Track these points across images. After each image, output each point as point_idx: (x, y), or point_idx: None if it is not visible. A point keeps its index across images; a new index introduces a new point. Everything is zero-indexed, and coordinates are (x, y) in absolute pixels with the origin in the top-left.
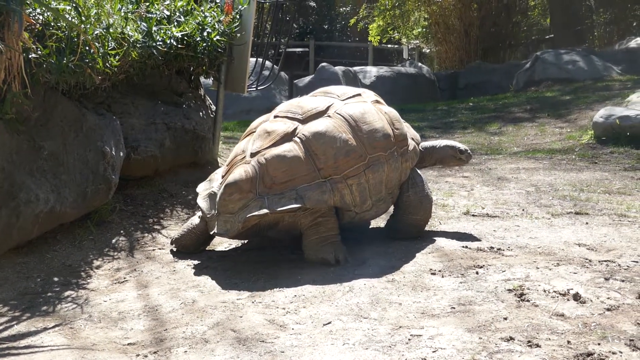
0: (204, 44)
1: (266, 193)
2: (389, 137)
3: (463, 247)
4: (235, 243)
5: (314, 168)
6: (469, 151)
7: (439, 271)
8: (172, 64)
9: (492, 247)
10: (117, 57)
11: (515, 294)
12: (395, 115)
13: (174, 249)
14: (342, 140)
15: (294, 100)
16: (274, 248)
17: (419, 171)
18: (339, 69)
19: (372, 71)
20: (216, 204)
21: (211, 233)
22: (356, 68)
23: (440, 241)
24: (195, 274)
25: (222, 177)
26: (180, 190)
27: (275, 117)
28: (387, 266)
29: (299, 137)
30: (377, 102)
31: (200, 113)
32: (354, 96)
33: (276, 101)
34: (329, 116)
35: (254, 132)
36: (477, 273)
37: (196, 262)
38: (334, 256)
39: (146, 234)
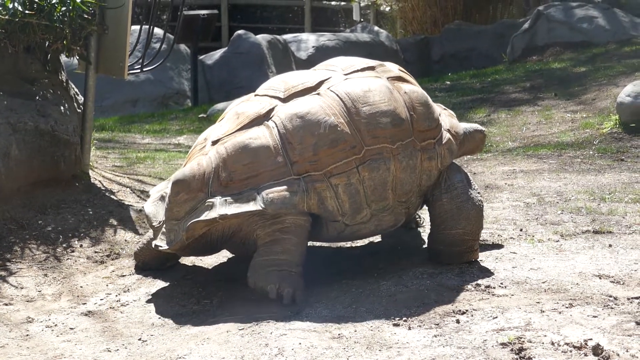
0: (63, 8)
1: (221, 193)
2: (400, 124)
3: (437, 285)
4: (114, 293)
5: (285, 161)
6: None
7: (404, 321)
8: (18, 37)
9: (477, 285)
10: None
11: (512, 350)
12: (419, 97)
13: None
14: (328, 125)
15: (282, 75)
16: (170, 300)
17: (459, 166)
18: (262, 37)
19: (309, 40)
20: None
21: (153, 246)
22: (287, 36)
23: (404, 278)
24: (59, 338)
25: None
26: (35, 219)
27: (256, 95)
28: (331, 316)
29: (273, 121)
30: (399, 79)
31: (62, 107)
32: (363, 69)
33: (173, 86)
34: (318, 94)
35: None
36: (457, 322)
37: (60, 319)
38: (277, 288)
39: None
